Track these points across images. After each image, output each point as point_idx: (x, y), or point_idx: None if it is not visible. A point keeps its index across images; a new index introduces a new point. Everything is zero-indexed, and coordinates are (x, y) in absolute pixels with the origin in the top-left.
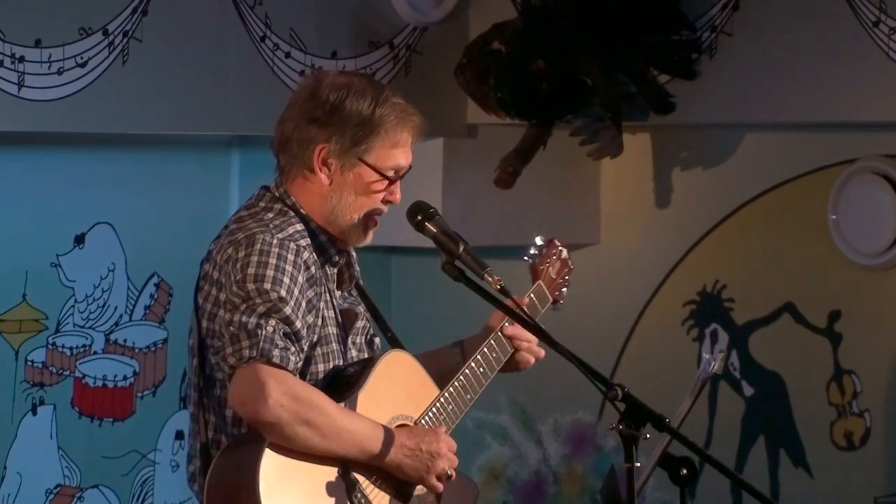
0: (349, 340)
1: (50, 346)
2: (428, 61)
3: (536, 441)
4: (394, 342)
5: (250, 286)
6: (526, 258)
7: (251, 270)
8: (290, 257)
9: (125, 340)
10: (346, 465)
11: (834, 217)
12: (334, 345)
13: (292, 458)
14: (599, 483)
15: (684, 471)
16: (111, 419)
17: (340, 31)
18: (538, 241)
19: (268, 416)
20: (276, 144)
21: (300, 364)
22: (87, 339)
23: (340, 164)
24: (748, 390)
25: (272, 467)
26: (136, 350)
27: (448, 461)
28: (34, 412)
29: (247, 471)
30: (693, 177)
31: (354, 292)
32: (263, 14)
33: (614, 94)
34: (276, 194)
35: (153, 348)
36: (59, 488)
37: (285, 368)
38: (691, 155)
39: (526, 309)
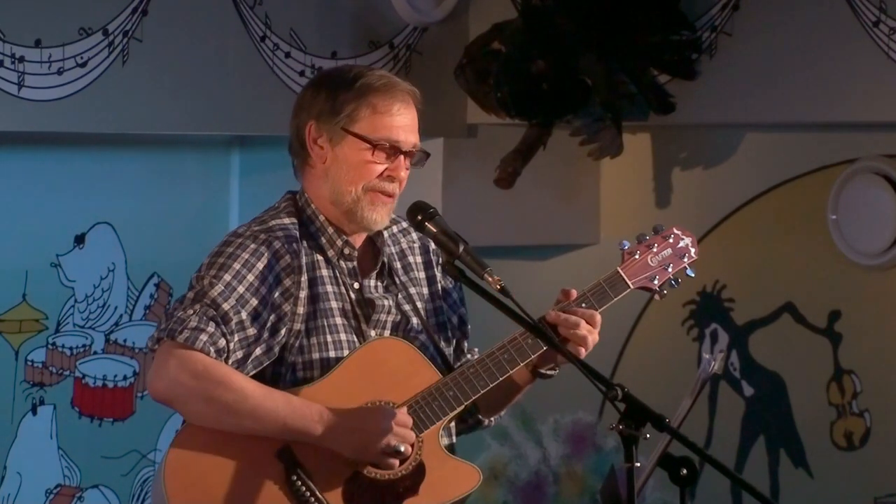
0: (370, 331)
1: (50, 346)
2: (428, 61)
3: (536, 441)
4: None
5: (193, 278)
6: (625, 243)
7: (204, 262)
8: (252, 245)
9: (125, 340)
10: (288, 445)
11: (834, 217)
12: (342, 335)
13: (218, 441)
14: (599, 483)
15: (684, 471)
16: (111, 419)
17: (340, 31)
18: (656, 228)
19: (163, 393)
20: (289, 148)
21: (227, 344)
22: (87, 339)
23: (329, 139)
24: (748, 390)
25: (181, 459)
26: (136, 350)
27: (396, 437)
28: (34, 412)
29: (160, 470)
30: (693, 177)
31: (410, 283)
32: (263, 14)
33: (614, 94)
34: (294, 192)
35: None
36: (59, 488)
37: (191, 347)
38: (691, 155)
39: (575, 298)
